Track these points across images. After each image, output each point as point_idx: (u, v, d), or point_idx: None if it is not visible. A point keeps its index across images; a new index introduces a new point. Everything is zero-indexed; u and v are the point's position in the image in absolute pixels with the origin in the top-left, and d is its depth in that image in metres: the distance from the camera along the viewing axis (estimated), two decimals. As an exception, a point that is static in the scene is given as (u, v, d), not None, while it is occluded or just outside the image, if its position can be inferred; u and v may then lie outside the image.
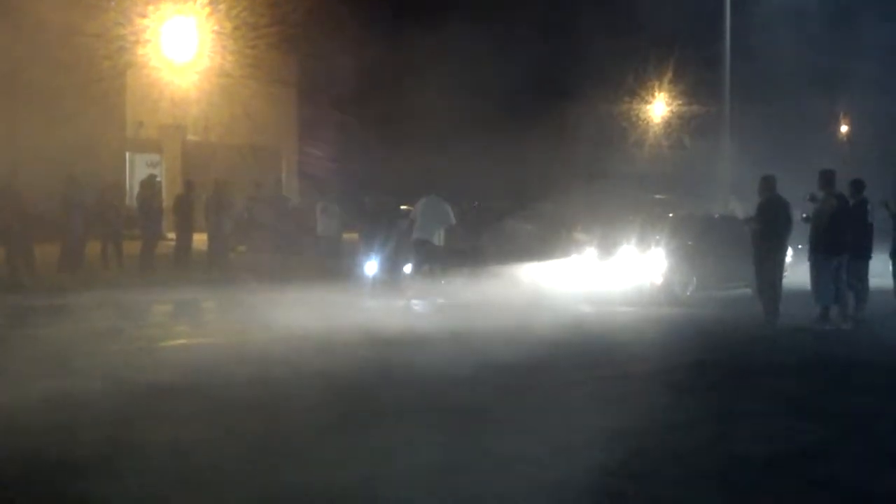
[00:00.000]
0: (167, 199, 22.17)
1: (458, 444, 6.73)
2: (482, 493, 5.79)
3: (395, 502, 5.68)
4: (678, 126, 35.11)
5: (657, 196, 25.24)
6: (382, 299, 15.21)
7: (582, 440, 6.91)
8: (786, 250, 14.01)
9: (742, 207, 19.87)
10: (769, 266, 13.13)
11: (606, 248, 17.20)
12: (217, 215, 19.07)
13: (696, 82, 32.97)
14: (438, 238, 15.97)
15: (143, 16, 25.11)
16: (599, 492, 5.86)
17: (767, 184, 13.19)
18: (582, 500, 5.77)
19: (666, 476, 6.16)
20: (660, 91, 35.07)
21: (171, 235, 20.43)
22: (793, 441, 6.99)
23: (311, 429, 7.14)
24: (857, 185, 13.50)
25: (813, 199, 13.07)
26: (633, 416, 7.68)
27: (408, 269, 16.33)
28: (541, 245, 20.19)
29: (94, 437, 6.80)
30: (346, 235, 20.47)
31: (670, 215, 18.66)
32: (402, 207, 19.58)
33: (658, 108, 35.51)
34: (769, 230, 13.05)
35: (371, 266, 16.35)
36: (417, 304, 15.19)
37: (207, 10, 25.73)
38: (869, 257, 13.52)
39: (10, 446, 6.58)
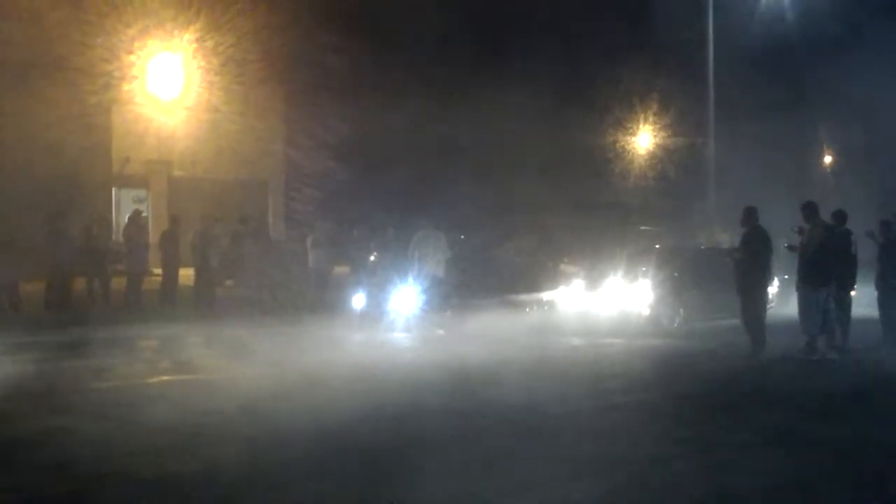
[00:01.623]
0: (154, 235, 22.10)
1: (441, 479, 6.70)
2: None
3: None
4: (664, 157, 35.33)
5: (643, 228, 25.36)
6: (369, 333, 15.18)
7: (568, 472, 6.89)
8: (769, 281, 14.06)
9: (728, 237, 19.97)
10: (754, 297, 13.17)
11: (594, 279, 17.25)
12: (204, 250, 19.01)
13: (682, 114, 33.25)
14: (439, 270, 15.99)
15: (130, 52, 25.17)
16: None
17: (750, 215, 13.27)
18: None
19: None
20: (645, 123, 35.33)
21: (158, 271, 20.35)
22: (780, 472, 6.98)
23: (296, 463, 7.10)
24: (840, 216, 13.59)
25: (801, 231, 13.13)
26: (620, 447, 7.66)
27: (398, 301, 16.19)
28: (528, 277, 20.24)
29: (84, 473, 6.76)
30: (337, 268, 20.43)
31: (657, 247, 18.74)
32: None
33: (643, 139, 35.78)
34: (752, 261, 13.10)
35: (358, 299, 16.31)
36: (403, 338, 15.16)
37: (194, 46, 25.80)
38: (852, 287, 13.57)
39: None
